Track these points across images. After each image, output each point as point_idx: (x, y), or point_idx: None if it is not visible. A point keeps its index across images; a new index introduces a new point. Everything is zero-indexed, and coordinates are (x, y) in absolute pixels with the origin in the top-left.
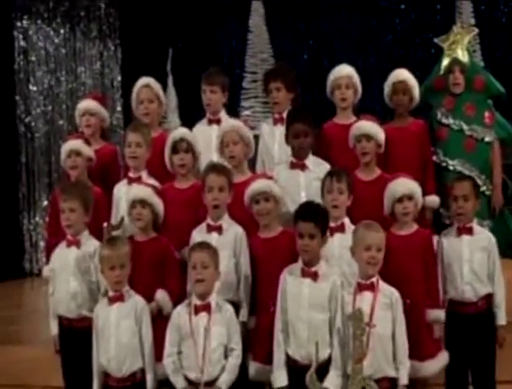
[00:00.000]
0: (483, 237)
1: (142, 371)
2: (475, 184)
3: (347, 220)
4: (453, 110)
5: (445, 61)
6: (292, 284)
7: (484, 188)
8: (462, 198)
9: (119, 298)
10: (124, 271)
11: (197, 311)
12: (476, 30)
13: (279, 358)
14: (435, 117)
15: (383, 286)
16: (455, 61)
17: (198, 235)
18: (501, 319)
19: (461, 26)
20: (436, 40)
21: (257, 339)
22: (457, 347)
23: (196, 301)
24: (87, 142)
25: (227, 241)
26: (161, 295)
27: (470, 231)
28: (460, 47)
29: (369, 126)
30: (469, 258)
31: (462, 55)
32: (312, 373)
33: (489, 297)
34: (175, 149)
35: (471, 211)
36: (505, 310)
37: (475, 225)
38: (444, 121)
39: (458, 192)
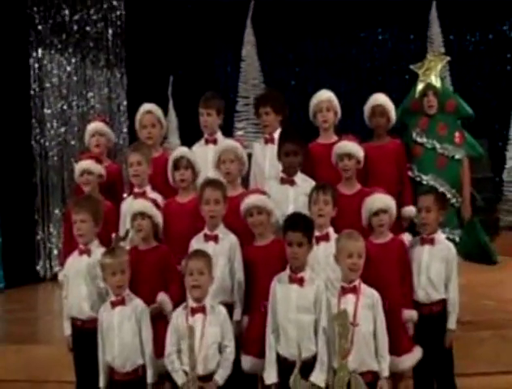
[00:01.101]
0: (443, 247)
1: (144, 367)
2: (438, 197)
3: (331, 230)
4: (427, 130)
5: (420, 86)
6: (281, 290)
7: (453, 200)
8: (425, 209)
9: (121, 302)
10: (124, 277)
11: (193, 313)
12: (448, 58)
13: (270, 357)
14: (410, 137)
15: (365, 288)
16: (429, 86)
17: (197, 244)
18: (452, 324)
19: (434, 54)
20: (412, 67)
21: (250, 336)
22: (419, 343)
23: (192, 304)
24: (99, 160)
25: (223, 249)
26: (162, 297)
27: (432, 241)
28: (434, 73)
29: (350, 145)
30: (427, 266)
31: (436, 80)
32: (296, 375)
33: (444, 302)
34: (176, 166)
35: (433, 221)
36: (457, 315)
37: (438, 236)
38: (418, 139)
39: (422, 204)
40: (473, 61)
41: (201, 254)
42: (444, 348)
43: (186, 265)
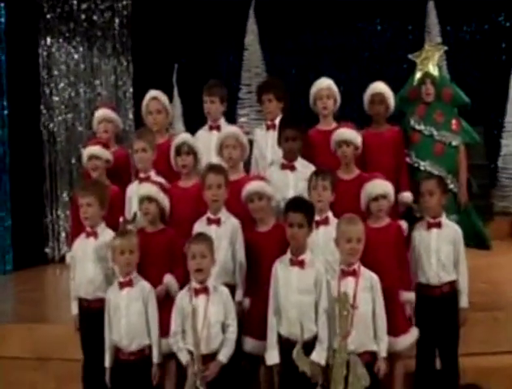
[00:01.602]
0: (450, 230)
1: (150, 347)
2: (440, 182)
3: (330, 214)
4: (424, 117)
5: (418, 74)
6: (282, 272)
7: (451, 186)
8: (427, 193)
9: (128, 284)
10: (132, 257)
11: (196, 294)
12: (445, 47)
13: (272, 339)
14: (408, 124)
15: (364, 271)
16: (427, 75)
17: (200, 227)
18: (464, 303)
19: (431, 44)
20: (410, 56)
21: (251, 318)
22: (425, 325)
23: (195, 285)
24: (106, 146)
25: (225, 232)
26: (168, 278)
27: (439, 225)
28: (431, 62)
29: (348, 132)
30: (436, 250)
31: (433, 69)
32: (298, 349)
33: (453, 283)
34: (178, 152)
35: (436, 204)
36: (468, 294)
37: (443, 220)
38: (416, 127)
39: (424, 188)
40: (469, 51)
41: (202, 237)
42: (453, 328)
43: (189, 248)
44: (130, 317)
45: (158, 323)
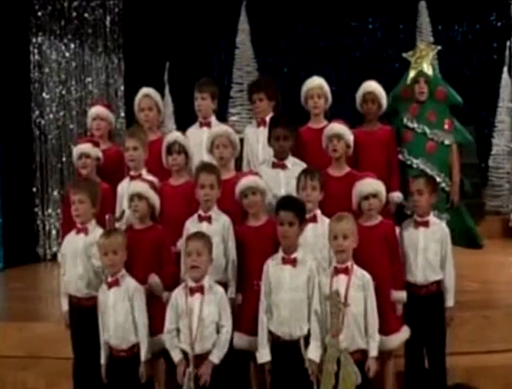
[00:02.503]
0: (437, 229)
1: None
2: (429, 181)
3: (318, 212)
4: (417, 116)
5: (412, 73)
6: (274, 271)
7: (443, 185)
8: (416, 192)
9: (115, 283)
10: (116, 257)
11: (192, 292)
12: (439, 47)
13: (262, 337)
14: (401, 121)
15: (356, 270)
16: (421, 74)
17: (191, 225)
18: (450, 301)
19: (425, 44)
20: (404, 55)
21: (242, 314)
22: (413, 324)
23: (191, 284)
24: (96, 143)
25: (216, 230)
26: (152, 279)
27: (426, 224)
28: (425, 61)
29: (339, 127)
30: (424, 249)
31: (427, 68)
32: (302, 345)
33: (440, 283)
34: (169, 150)
35: (425, 203)
36: (454, 292)
37: (431, 218)
38: (409, 124)
39: (414, 187)
40: (461, 51)
41: (200, 235)
42: (440, 328)
43: (186, 246)
44: (117, 316)
45: (146, 321)
